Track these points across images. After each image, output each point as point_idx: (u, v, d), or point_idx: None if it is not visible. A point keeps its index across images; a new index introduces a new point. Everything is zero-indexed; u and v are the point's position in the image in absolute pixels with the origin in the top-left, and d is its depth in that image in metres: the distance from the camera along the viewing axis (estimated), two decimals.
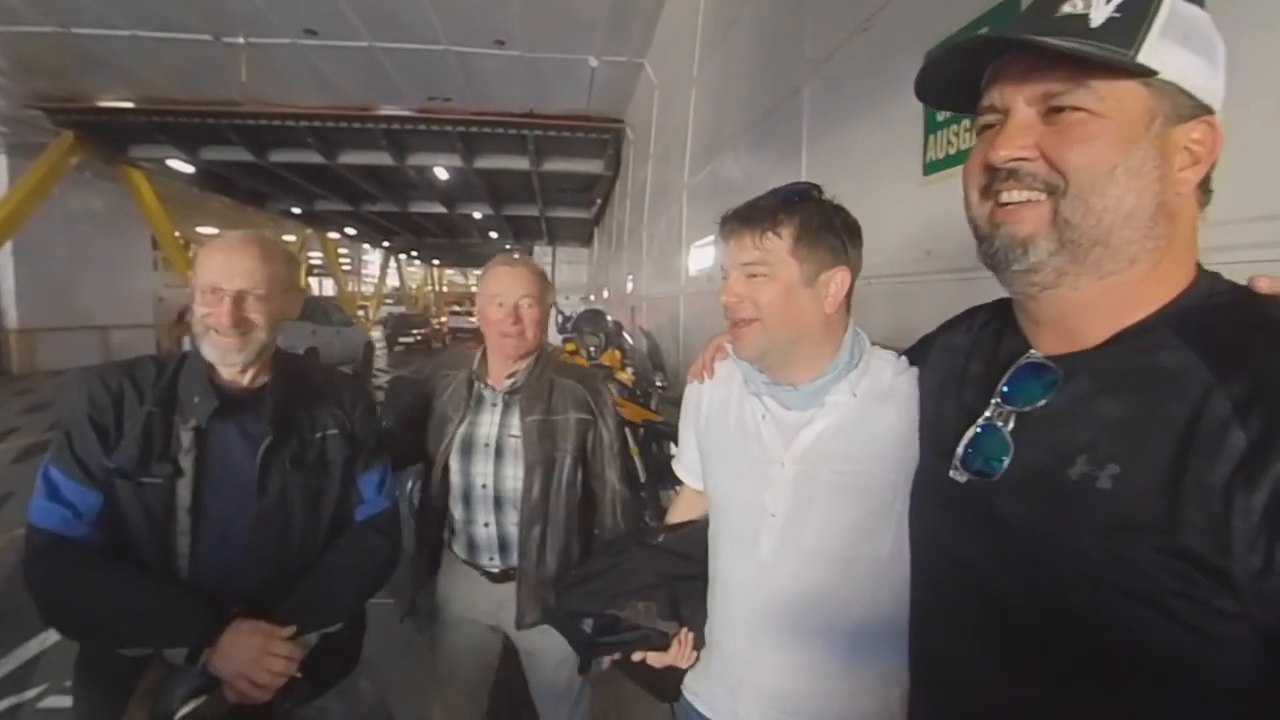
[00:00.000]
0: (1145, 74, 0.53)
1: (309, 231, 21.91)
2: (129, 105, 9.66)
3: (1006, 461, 0.63)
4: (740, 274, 0.92)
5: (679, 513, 1.25)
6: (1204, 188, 0.58)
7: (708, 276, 4.48)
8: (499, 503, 1.51)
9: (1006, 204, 0.61)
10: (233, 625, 1.06)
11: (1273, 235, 0.89)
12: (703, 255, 4.69)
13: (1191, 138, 0.56)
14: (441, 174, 13.02)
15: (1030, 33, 0.57)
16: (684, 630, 1.08)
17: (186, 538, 1.11)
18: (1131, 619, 0.52)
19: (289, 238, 22.51)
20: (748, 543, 0.97)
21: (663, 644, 1.08)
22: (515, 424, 1.51)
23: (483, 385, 1.56)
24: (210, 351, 1.13)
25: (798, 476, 0.92)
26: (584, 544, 1.56)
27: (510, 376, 1.53)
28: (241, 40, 7.27)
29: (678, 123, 5.83)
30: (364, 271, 40.17)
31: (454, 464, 1.54)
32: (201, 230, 21.68)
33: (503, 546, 1.53)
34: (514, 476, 1.51)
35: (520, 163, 11.59)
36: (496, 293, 1.48)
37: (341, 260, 27.35)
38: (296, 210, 17.43)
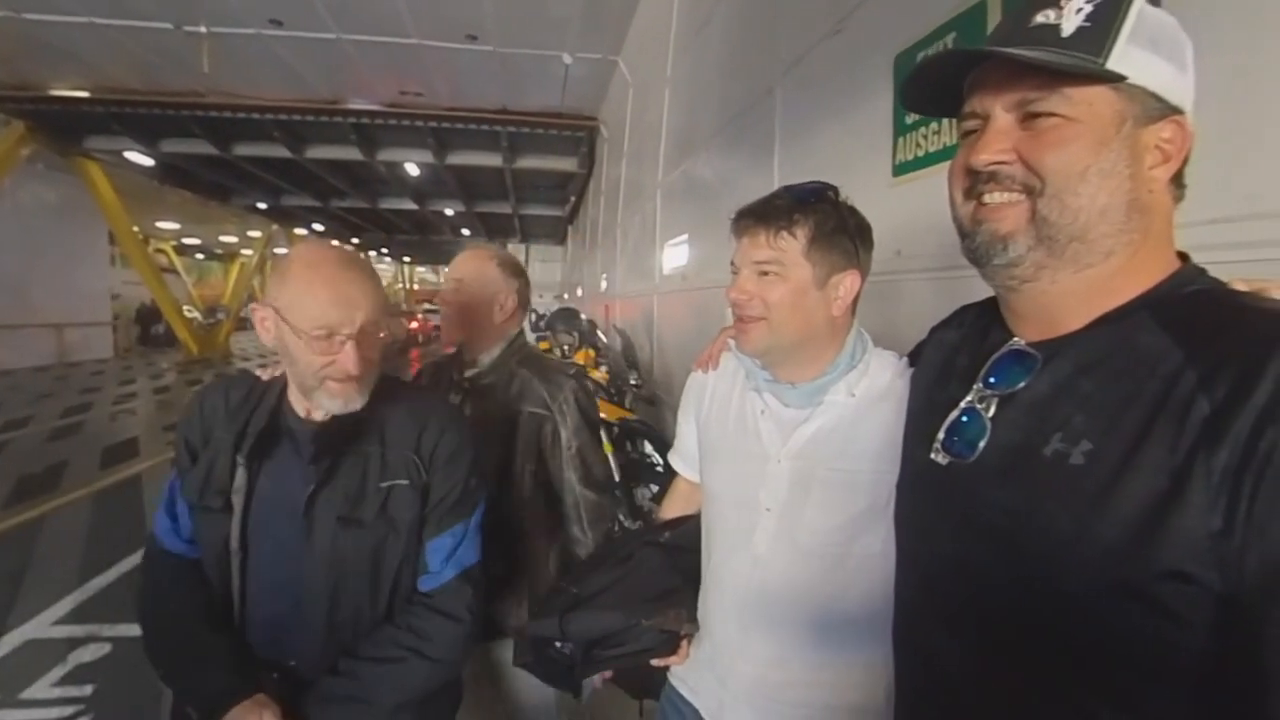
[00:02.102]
0: (1114, 79, 0.57)
1: (275, 227, 21.39)
2: (84, 95, 9.30)
3: (984, 444, 0.66)
4: (752, 271, 0.92)
5: (674, 506, 1.25)
6: (1177, 183, 0.61)
7: (681, 275, 4.49)
8: None
9: (988, 204, 0.64)
10: (244, 704, 0.93)
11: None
12: (676, 254, 4.70)
13: (1161, 137, 0.59)
14: (412, 170, 12.82)
15: (1007, 42, 0.60)
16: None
17: (237, 579, 1.04)
18: (1101, 596, 0.54)
19: (254, 233, 21.97)
20: (742, 536, 0.98)
21: (674, 645, 1.06)
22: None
23: (456, 373, 1.54)
24: (330, 402, 1.00)
25: (793, 473, 0.94)
26: (560, 561, 1.47)
27: (473, 365, 1.52)
28: (203, 30, 7.05)
29: (651, 121, 5.83)
30: None
31: None
32: (161, 225, 20.99)
33: None
34: None
35: (493, 159, 11.46)
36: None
37: None
38: (262, 205, 16.99)
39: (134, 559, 3.96)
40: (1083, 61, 0.56)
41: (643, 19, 6.37)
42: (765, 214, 0.92)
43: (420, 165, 12.35)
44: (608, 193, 9.10)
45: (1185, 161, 0.60)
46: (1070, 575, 0.56)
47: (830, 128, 2.28)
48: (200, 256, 31.17)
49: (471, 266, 1.51)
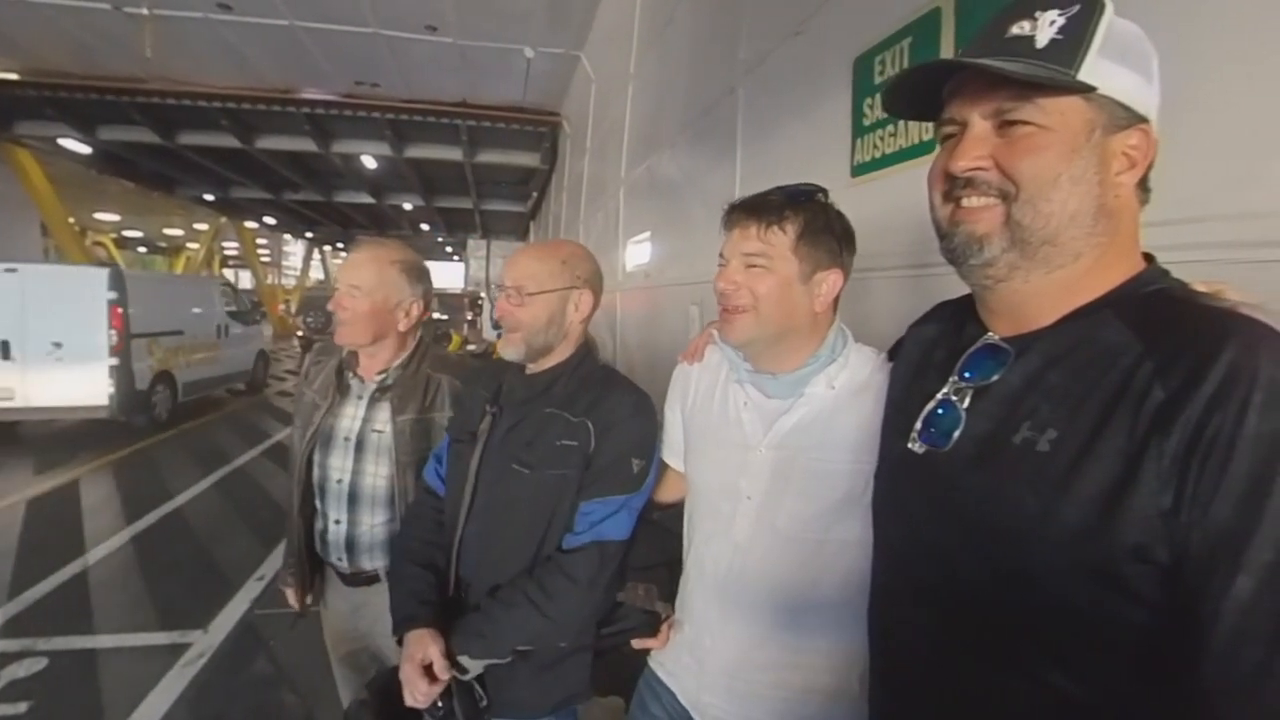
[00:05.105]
0: (1085, 90, 0.59)
1: (223, 220, 20.59)
2: (13, 77, 8.78)
3: (958, 433, 0.69)
4: (740, 263, 0.96)
5: (667, 492, 1.27)
6: (1143, 187, 0.65)
7: (644, 273, 4.49)
8: (354, 500, 1.45)
9: (965, 207, 0.67)
10: (417, 632, 1.11)
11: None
12: (639, 251, 4.70)
13: (1128, 144, 0.62)
14: (369, 162, 12.50)
15: (984, 53, 0.63)
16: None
17: (468, 498, 1.19)
18: (1062, 574, 0.58)
19: (201, 226, 21.13)
20: (723, 523, 1.02)
21: (655, 628, 1.10)
22: (381, 419, 1.45)
23: (351, 375, 1.51)
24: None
25: (774, 462, 0.97)
26: None
27: (381, 373, 1.48)
28: (145, 11, 6.70)
29: (615, 118, 5.81)
30: (285, 264, 38.08)
31: (315, 456, 1.49)
32: (100, 216, 20.00)
33: (350, 546, 1.46)
34: (374, 474, 1.45)
35: (453, 153, 11.27)
36: (338, 277, 1.48)
37: (260, 251, 25.86)
38: (209, 197, 16.36)
39: (72, 568, 3.78)
40: (1055, 73, 0.59)
41: (606, 16, 6.34)
42: (758, 208, 0.96)
43: (377, 158, 12.06)
44: (570, 189, 9.04)
45: (1150, 166, 0.64)
46: (1035, 555, 0.59)
47: (791, 128, 2.31)
48: (143, 250, 29.84)
49: (370, 272, 1.42)
